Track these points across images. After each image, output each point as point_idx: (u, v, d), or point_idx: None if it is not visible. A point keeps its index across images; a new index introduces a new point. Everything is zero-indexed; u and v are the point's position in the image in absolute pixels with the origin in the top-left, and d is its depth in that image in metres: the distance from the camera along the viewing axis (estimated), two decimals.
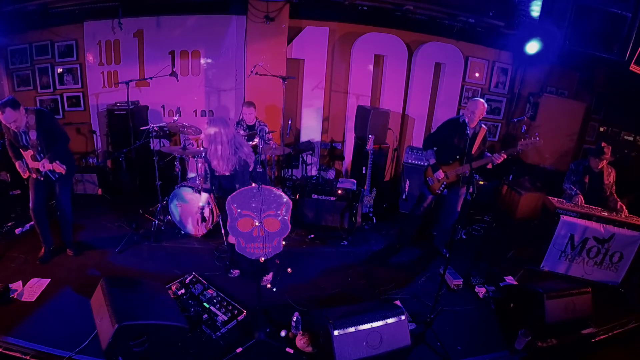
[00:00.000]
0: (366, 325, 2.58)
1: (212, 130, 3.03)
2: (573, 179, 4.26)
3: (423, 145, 4.13)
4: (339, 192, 4.72)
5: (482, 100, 3.72)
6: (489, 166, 3.79)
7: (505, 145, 6.38)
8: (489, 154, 3.78)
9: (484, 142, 3.86)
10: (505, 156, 3.66)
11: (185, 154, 4.30)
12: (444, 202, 4.15)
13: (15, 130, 3.20)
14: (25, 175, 3.43)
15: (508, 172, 5.73)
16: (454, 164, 3.85)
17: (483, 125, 3.83)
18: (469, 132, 3.76)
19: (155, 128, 4.13)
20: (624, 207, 3.94)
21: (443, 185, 3.94)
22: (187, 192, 4.17)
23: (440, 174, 3.88)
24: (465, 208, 3.55)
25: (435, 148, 3.98)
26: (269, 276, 3.62)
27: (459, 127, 3.79)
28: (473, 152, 3.80)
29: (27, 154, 3.31)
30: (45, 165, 3.25)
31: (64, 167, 3.26)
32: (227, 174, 3.17)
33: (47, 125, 3.33)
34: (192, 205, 4.21)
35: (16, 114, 3.09)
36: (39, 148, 3.28)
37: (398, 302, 3.37)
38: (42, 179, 3.41)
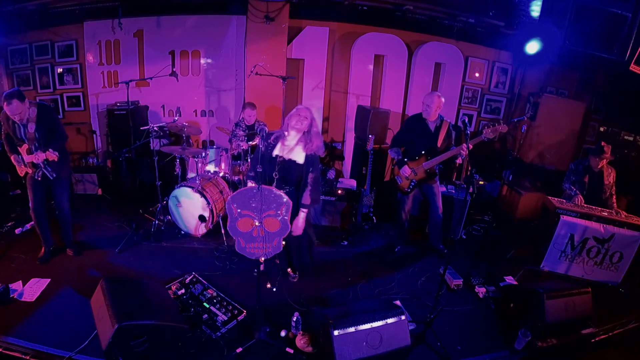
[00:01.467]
0: (366, 325, 2.58)
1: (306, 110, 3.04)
2: (573, 178, 4.26)
3: (390, 145, 4.14)
4: (339, 192, 4.72)
5: (437, 93, 3.79)
6: (458, 160, 3.77)
7: (504, 144, 6.39)
8: (454, 147, 3.77)
9: (449, 136, 3.88)
10: (471, 146, 3.57)
11: (185, 154, 4.31)
12: (426, 200, 4.18)
13: (18, 122, 3.21)
14: (21, 172, 3.41)
15: (508, 172, 5.73)
16: (420, 159, 3.87)
17: (445, 119, 3.89)
18: (430, 126, 3.82)
19: (155, 128, 4.13)
20: (622, 212, 3.94)
21: (413, 184, 3.94)
22: (187, 192, 4.17)
23: (406, 170, 3.88)
24: (465, 208, 3.54)
25: (402, 147, 4.00)
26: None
27: (419, 123, 3.87)
28: (438, 146, 3.83)
29: (23, 149, 3.29)
30: (39, 156, 3.23)
31: (57, 153, 3.23)
32: (302, 162, 3.08)
33: (47, 120, 3.33)
34: (192, 204, 4.20)
35: (22, 106, 3.12)
36: (36, 142, 3.28)
37: (398, 302, 3.38)
38: (39, 178, 3.40)
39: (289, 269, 3.72)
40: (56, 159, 3.26)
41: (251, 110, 4.89)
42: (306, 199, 3.14)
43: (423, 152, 3.85)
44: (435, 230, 4.23)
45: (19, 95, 3.09)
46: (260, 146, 3.13)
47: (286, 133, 3.11)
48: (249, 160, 4.66)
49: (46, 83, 5.52)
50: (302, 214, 3.16)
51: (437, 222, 4.14)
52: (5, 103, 3.05)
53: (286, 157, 3.08)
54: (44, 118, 3.30)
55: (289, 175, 3.12)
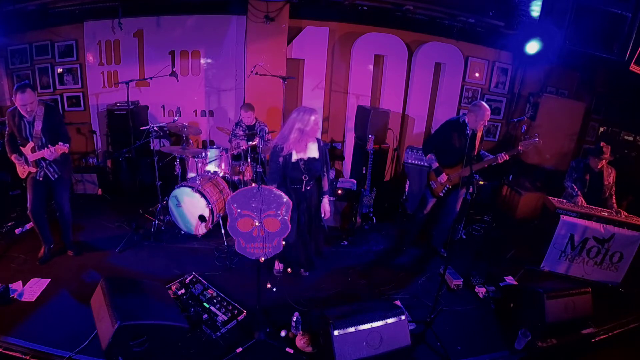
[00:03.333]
0: (366, 325, 2.58)
1: (308, 114, 3.04)
2: (574, 176, 4.26)
3: (423, 149, 4.08)
4: (339, 192, 4.72)
5: (486, 105, 3.67)
6: (485, 165, 3.78)
7: (505, 144, 6.38)
8: (490, 155, 3.77)
9: (481, 142, 3.86)
10: (508, 157, 3.64)
11: (185, 154, 4.31)
12: (443, 202, 4.15)
13: (25, 116, 3.21)
14: (22, 173, 3.40)
15: (508, 172, 5.73)
16: (457, 166, 3.82)
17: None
18: (468, 132, 3.74)
19: (155, 128, 4.13)
20: (622, 212, 3.94)
21: (446, 188, 3.93)
22: (187, 192, 4.17)
23: (443, 177, 3.84)
24: (465, 208, 3.55)
25: (434, 151, 3.93)
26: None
27: (457, 129, 3.76)
28: (474, 153, 3.80)
29: (27, 148, 3.29)
30: (51, 150, 3.18)
31: (67, 145, 3.22)
32: (318, 156, 3.22)
33: (54, 120, 3.35)
34: (192, 204, 4.20)
35: (34, 96, 3.16)
36: (42, 140, 3.28)
37: (398, 302, 3.38)
38: (41, 178, 3.39)
39: (301, 270, 3.75)
40: (67, 151, 3.25)
41: (245, 112, 4.90)
42: (326, 185, 3.43)
43: (460, 159, 3.78)
44: (442, 232, 4.23)
45: (31, 86, 3.16)
46: (279, 159, 3.13)
47: (296, 135, 3.05)
48: (249, 160, 4.66)
49: (46, 83, 5.52)
50: (327, 199, 3.45)
51: (446, 225, 4.13)
52: (18, 92, 3.08)
53: (306, 157, 3.18)
54: (51, 118, 3.32)
55: (314, 172, 3.24)
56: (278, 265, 3.70)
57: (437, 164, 3.89)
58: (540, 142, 3.57)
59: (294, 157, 3.14)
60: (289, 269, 3.74)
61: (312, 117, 3.05)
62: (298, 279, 3.70)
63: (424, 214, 4.15)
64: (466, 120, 3.72)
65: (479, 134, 3.78)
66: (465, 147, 3.74)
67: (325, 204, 3.44)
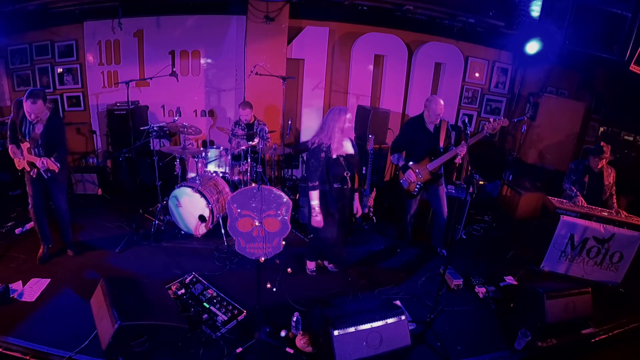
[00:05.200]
0: (366, 325, 2.58)
1: (343, 114, 3.17)
2: (573, 178, 4.26)
3: (391, 150, 4.16)
4: None
5: (441, 99, 3.79)
6: (458, 160, 3.78)
7: (504, 144, 6.39)
8: (454, 147, 3.78)
9: (449, 136, 3.91)
10: (473, 142, 3.58)
11: (185, 154, 4.31)
12: (431, 204, 4.17)
13: (29, 119, 3.21)
14: (19, 165, 3.39)
15: (508, 172, 5.73)
16: (423, 161, 3.87)
17: (443, 119, 3.89)
18: (429, 127, 3.85)
19: (155, 128, 4.13)
20: (622, 212, 3.93)
21: (418, 186, 3.94)
22: (187, 192, 4.17)
23: (411, 174, 3.88)
24: (465, 208, 3.55)
25: (402, 152, 4.01)
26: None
27: (418, 125, 3.89)
28: (441, 146, 3.83)
29: (24, 146, 3.29)
30: (44, 162, 3.22)
31: (58, 165, 3.24)
32: (353, 151, 3.34)
33: (55, 127, 3.34)
34: (192, 204, 4.20)
35: (42, 109, 3.17)
36: (39, 142, 3.28)
37: (398, 302, 3.38)
38: (34, 176, 3.38)
39: (325, 262, 3.87)
40: (57, 170, 3.27)
41: (243, 110, 4.91)
42: (356, 183, 3.50)
43: (426, 153, 3.84)
44: (438, 232, 4.23)
45: (44, 97, 3.15)
46: (321, 155, 3.20)
47: (338, 135, 3.19)
48: (249, 160, 4.66)
49: (46, 83, 5.51)
50: (357, 197, 3.57)
51: (441, 225, 4.14)
52: (29, 100, 3.07)
53: (344, 154, 3.26)
54: (53, 125, 3.31)
55: (353, 168, 3.33)
56: (311, 265, 3.78)
57: (402, 162, 3.96)
58: (506, 121, 3.56)
59: (334, 154, 3.21)
60: (289, 269, 3.75)
61: (348, 115, 3.20)
62: (298, 279, 3.70)
63: (410, 215, 4.21)
64: (423, 116, 3.84)
65: (443, 129, 3.84)
66: (428, 141, 3.82)
67: (357, 201, 3.55)
